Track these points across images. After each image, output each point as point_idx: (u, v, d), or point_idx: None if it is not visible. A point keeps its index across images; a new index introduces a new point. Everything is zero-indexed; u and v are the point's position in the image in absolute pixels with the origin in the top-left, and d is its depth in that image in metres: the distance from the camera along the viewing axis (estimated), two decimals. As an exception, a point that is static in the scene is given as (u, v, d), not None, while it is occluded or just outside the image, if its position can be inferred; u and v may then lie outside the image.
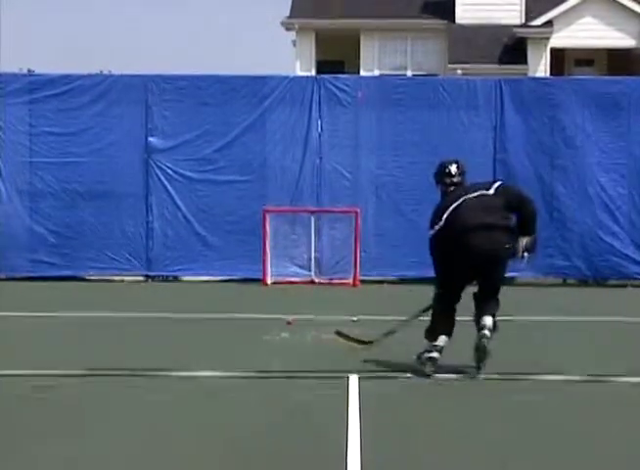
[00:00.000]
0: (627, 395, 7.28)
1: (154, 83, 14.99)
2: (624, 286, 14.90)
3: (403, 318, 8.32)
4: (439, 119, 14.97)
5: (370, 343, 8.39)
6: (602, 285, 15.13)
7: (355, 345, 8.44)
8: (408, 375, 7.67)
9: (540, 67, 26.22)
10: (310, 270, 14.96)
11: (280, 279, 14.66)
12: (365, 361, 8.10)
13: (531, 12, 26.73)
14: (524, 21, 26.89)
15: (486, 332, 7.71)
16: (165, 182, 15.03)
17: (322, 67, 26.75)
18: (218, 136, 15.02)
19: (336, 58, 27.64)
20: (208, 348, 9.02)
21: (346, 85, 15.13)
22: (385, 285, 14.77)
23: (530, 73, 25.45)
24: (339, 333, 8.63)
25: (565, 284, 15.33)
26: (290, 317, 10.35)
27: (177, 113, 15.01)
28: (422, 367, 7.71)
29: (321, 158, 15.09)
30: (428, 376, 7.61)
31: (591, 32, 26.08)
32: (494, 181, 8.35)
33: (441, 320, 7.82)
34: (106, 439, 5.87)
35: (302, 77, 17.78)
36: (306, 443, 5.84)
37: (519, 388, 7.43)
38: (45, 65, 47.44)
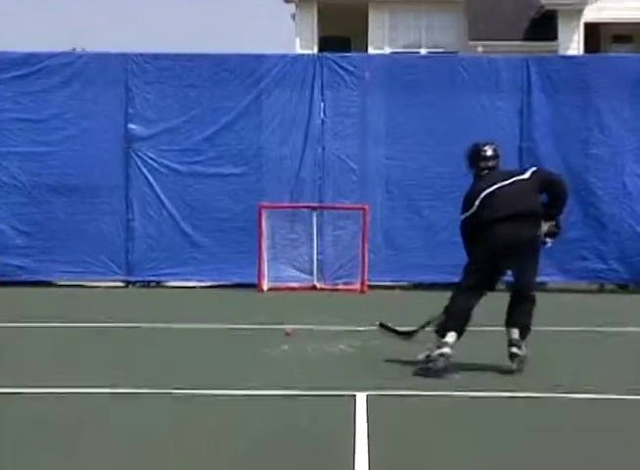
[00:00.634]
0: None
1: (134, 63, 14.94)
2: (669, 291, 15.06)
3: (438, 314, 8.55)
4: (458, 103, 14.94)
5: (410, 334, 8.73)
6: (643, 290, 15.36)
7: (395, 336, 8.84)
8: (420, 393, 7.65)
9: (572, 43, 26.21)
10: (312, 274, 15.00)
11: (278, 284, 14.69)
12: (371, 375, 8.18)
13: (562, -19, 26.77)
14: (553, -9, 26.97)
15: (515, 350, 8.31)
16: (148, 175, 14.99)
17: (325, 44, 26.75)
18: (208, 123, 15.00)
19: (341, 34, 27.64)
20: (202, 362, 9.00)
21: (353, 65, 15.10)
22: (396, 291, 14.82)
23: (561, 51, 25.48)
24: (381, 325, 9.02)
25: (601, 290, 15.35)
26: (289, 328, 10.38)
27: (161, 96, 14.98)
28: (433, 365, 8.12)
29: (324, 147, 15.09)
30: (439, 373, 8.01)
31: (630, 3, 26.02)
32: (530, 167, 8.95)
33: (456, 315, 8.24)
34: (100, 457, 5.94)
35: (303, 56, 17.74)
36: (311, 463, 5.91)
37: (545, 405, 7.44)
38: (12, 44, 47.27)
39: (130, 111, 14.97)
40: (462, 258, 8.59)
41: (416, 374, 8.18)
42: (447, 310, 8.32)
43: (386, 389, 7.76)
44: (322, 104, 15.07)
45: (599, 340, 10.55)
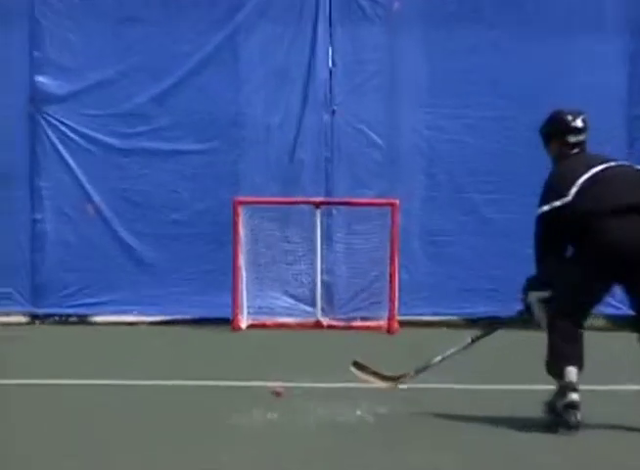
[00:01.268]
0: None
1: (45, -19, 14.69)
2: None
3: (453, 349, 9.08)
4: (534, 48, 15.02)
5: (398, 379, 9.19)
6: None
7: (377, 381, 9.30)
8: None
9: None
10: (314, 305, 14.99)
11: (263, 320, 14.78)
12: (405, 457, 7.76)
13: None
14: None
15: None
16: (65, 153, 14.95)
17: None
18: (157, 75, 15.04)
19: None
20: (143, 444, 8.31)
21: (376, -11, 14.83)
22: (443, 329, 14.88)
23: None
24: (356, 364, 9.46)
25: None
26: (278, 385, 10.10)
27: (85, 35, 14.96)
28: (564, 420, 8.38)
29: (334, 111, 15.13)
30: (572, 429, 8.32)
31: None
32: None
33: (565, 345, 8.52)
34: None
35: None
36: None
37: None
38: None
39: (38, 55, 14.92)
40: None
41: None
42: (551, 343, 8.54)
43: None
44: (330, 47, 15.13)
45: None
